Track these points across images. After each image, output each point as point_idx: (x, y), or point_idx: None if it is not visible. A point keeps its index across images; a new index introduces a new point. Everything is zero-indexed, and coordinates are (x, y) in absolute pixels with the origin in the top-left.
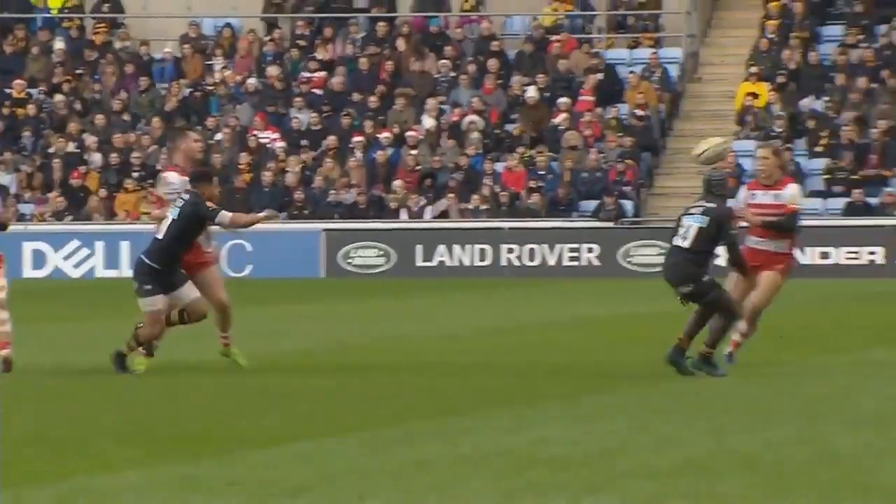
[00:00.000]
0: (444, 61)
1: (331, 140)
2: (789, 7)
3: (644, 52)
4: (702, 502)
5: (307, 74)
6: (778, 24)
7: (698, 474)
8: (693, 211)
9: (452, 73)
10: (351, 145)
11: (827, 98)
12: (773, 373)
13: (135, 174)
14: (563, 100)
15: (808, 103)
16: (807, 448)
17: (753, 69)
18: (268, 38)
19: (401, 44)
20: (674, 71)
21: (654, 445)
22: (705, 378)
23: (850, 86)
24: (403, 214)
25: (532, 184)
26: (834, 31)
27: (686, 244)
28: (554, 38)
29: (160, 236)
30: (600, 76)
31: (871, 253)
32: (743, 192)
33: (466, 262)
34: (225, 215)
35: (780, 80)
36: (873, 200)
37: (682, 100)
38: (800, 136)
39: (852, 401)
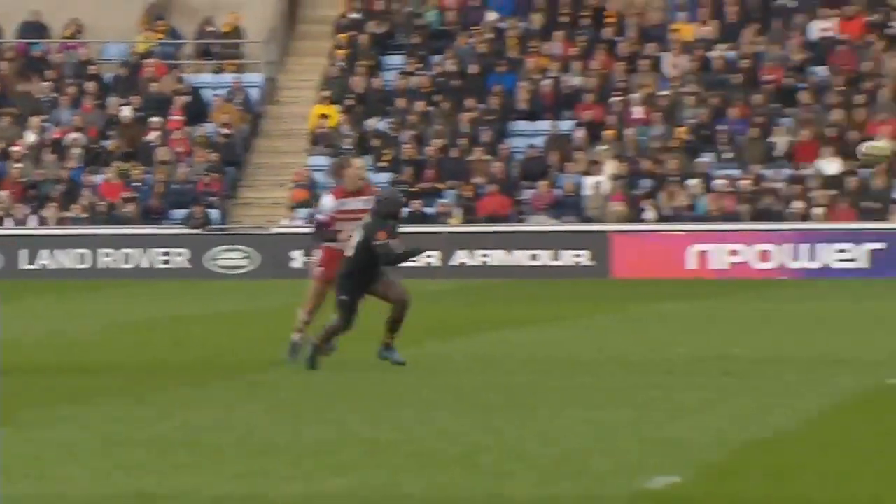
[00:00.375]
0: (46, 83)
1: None
2: (356, 39)
3: (227, 77)
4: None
5: None
6: (346, 54)
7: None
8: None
9: (54, 94)
10: None
11: (390, 119)
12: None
13: None
14: (155, 119)
15: (373, 123)
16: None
17: (325, 93)
18: None
19: (5, 66)
20: (254, 94)
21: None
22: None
23: (410, 108)
24: (9, 222)
25: (127, 194)
26: (395, 60)
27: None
28: (146, 63)
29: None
30: (188, 98)
31: (429, 256)
32: (331, 200)
33: (68, 266)
34: None
35: (349, 102)
36: (430, 210)
37: (262, 120)
38: (366, 153)
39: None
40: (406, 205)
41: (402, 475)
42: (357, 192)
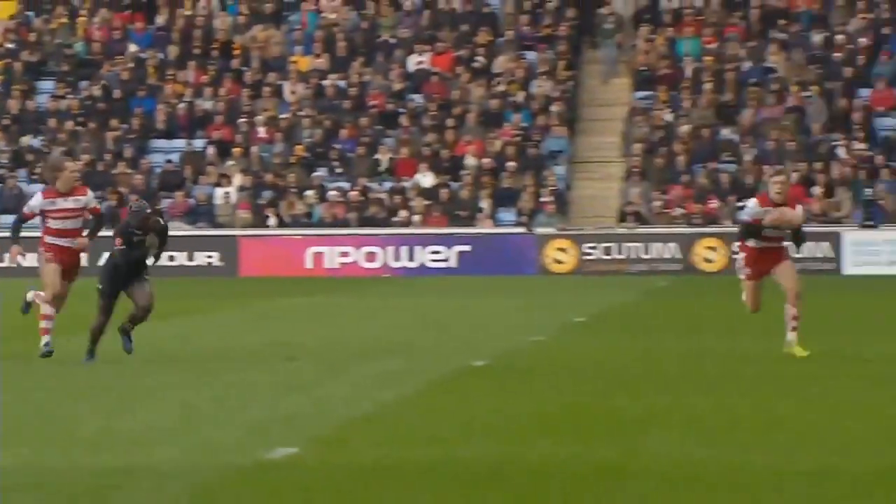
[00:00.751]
0: None
1: None
2: (11, 66)
3: None
4: None
5: None
6: (3, 79)
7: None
8: None
9: None
10: None
11: (42, 137)
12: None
13: None
14: None
15: (27, 141)
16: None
17: None
18: None
19: None
20: None
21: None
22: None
23: (60, 128)
24: None
25: None
26: (47, 85)
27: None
28: None
29: None
30: None
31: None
32: (39, 199)
33: None
34: None
35: (6, 122)
36: None
37: None
38: (22, 167)
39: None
40: (151, 218)
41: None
42: (68, 193)
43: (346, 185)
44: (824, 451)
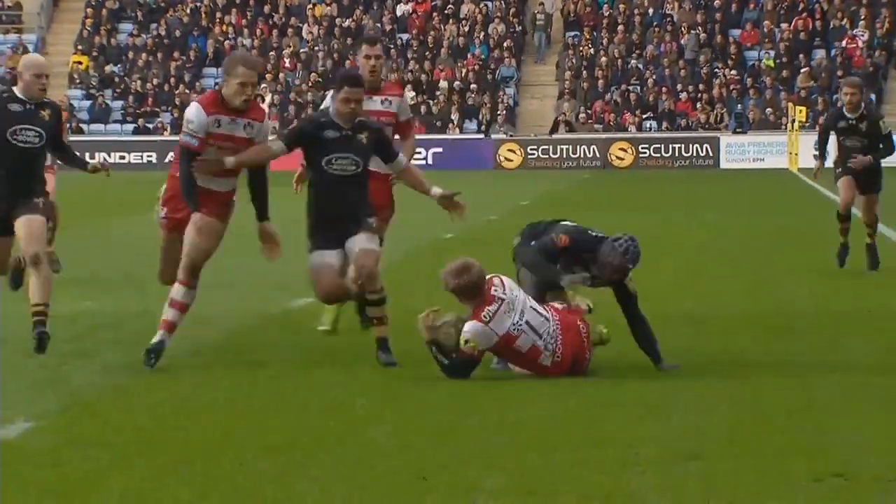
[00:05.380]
0: None
1: None
2: (99, 12)
3: (13, 37)
4: None
5: None
6: (93, 21)
7: None
8: None
9: None
10: None
11: (122, 65)
12: None
13: None
14: None
15: (110, 68)
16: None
17: (79, 47)
18: None
19: None
20: (31, 48)
21: None
22: None
23: (136, 58)
24: None
25: None
26: (127, 26)
27: None
28: None
29: None
30: None
31: None
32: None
33: None
34: None
35: (95, 54)
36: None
37: None
38: (107, 88)
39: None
40: None
41: None
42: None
43: None
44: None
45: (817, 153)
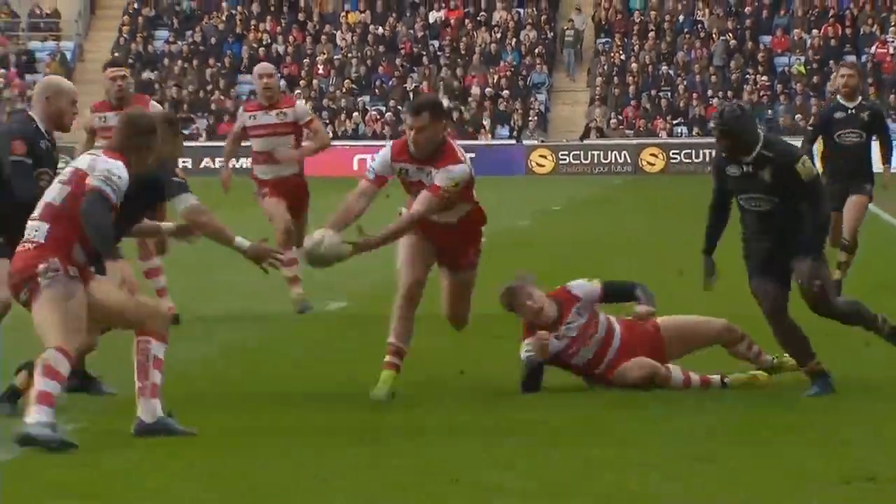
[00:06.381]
0: None
1: None
2: (136, 19)
3: (51, 44)
4: None
5: None
6: (129, 28)
7: None
8: None
9: None
10: None
11: (158, 72)
12: None
13: None
14: (0, 71)
15: (147, 75)
16: None
17: (116, 55)
18: None
19: None
20: (69, 55)
21: None
22: None
23: (172, 65)
24: None
25: None
26: (163, 33)
27: None
28: None
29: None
30: (25, 57)
31: None
32: None
33: None
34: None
35: (131, 60)
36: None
37: (74, 72)
38: (145, 94)
39: None
40: None
41: None
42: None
43: (382, 108)
44: None
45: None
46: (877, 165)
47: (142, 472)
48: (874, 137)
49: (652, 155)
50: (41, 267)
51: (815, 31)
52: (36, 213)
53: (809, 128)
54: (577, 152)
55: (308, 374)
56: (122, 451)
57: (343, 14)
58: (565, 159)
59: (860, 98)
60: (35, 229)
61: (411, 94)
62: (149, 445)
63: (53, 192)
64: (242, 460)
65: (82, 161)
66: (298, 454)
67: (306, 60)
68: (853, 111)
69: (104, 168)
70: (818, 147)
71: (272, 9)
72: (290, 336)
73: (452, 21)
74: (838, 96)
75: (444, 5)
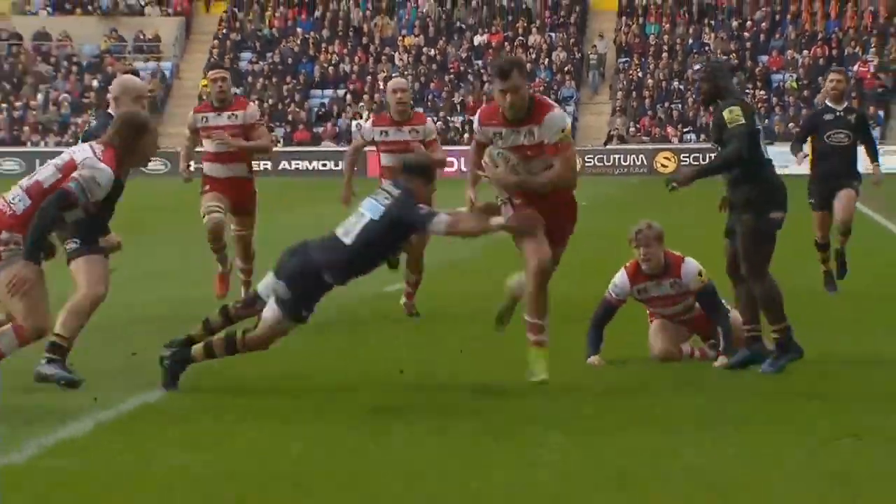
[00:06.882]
0: (50, 66)
1: None
2: (224, 42)
3: (152, 64)
4: None
5: None
6: (219, 51)
7: None
8: None
9: (55, 72)
10: None
11: (243, 88)
12: None
13: None
14: None
15: (234, 91)
16: None
17: (209, 73)
18: None
19: (24, 58)
20: (168, 73)
21: None
22: None
23: (255, 82)
24: None
25: None
26: (247, 55)
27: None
28: (106, 56)
29: (349, 241)
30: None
31: None
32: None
33: None
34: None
35: None
36: None
37: (172, 88)
38: None
39: None
40: None
41: None
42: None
43: (434, 118)
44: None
45: (793, 152)
46: (863, 167)
47: (232, 429)
48: (859, 140)
49: (665, 158)
50: (4, 235)
51: (805, 52)
52: (25, 184)
53: (796, 129)
54: (601, 156)
55: (368, 351)
56: (215, 412)
57: (400, 38)
58: (591, 162)
59: (846, 102)
60: (19, 199)
61: (458, 107)
62: (237, 407)
63: (46, 172)
64: (323, 420)
65: (81, 152)
66: (372, 417)
67: (369, 78)
68: (841, 113)
69: (90, 175)
70: (807, 148)
71: (340, 34)
72: (353, 315)
73: (494, 43)
74: (826, 100)
75: (487, 30)
